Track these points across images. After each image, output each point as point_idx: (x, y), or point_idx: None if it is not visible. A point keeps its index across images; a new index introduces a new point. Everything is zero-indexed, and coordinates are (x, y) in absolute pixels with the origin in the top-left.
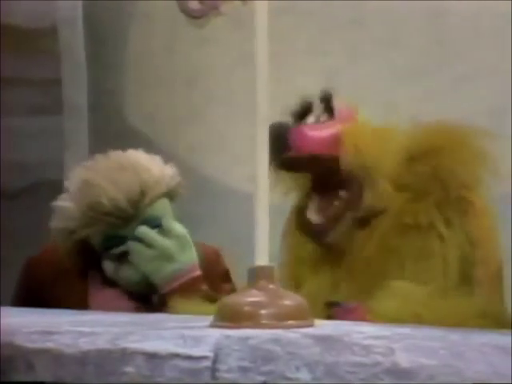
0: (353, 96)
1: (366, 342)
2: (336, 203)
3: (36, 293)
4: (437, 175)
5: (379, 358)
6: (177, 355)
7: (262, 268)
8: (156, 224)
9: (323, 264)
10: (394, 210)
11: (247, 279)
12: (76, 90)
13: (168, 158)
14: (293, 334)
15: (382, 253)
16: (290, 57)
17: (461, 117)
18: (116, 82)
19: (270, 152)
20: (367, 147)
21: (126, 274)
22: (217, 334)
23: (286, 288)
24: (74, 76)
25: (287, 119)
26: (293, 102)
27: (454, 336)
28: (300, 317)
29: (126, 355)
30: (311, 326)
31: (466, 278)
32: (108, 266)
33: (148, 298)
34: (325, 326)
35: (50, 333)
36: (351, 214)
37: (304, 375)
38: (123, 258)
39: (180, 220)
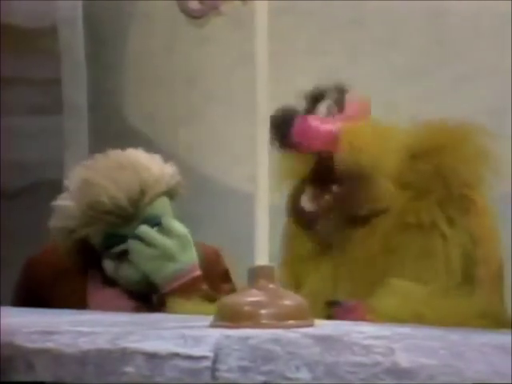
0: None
1: (365, 342)
2: (327, 197)
3: (36, 293)
4: (439, 173)
5: (379, 358)
6: (177, 355)
7: (261, 268)
8: (156, 222)
9: (324, 262)
10: (396, 208)
11: (247, 279)
12: (76, 90)
13: (168, 158)
14: (293, 334)
15: (384, 251)
16: (290, 57)
17: (461, 117)
18: (116, 82)
19: (273, 133)
20: (365, 146)
21: (126, 272)
22: (217, 333)
23: (286, 286)
24: (73, 76)
25: (301, 102)
26: (293, 102)
27: (454, 336)
28: (300, 317)
29: (125, 355)
30: (311, 325)
31: (468, 277)
32: (108, 265)
33: (148, 297)
34: (325, 326)
35: (50, 333)
36: (341, 210)
37: (304, 375)
38: (123, 256)
39: (180, 220)
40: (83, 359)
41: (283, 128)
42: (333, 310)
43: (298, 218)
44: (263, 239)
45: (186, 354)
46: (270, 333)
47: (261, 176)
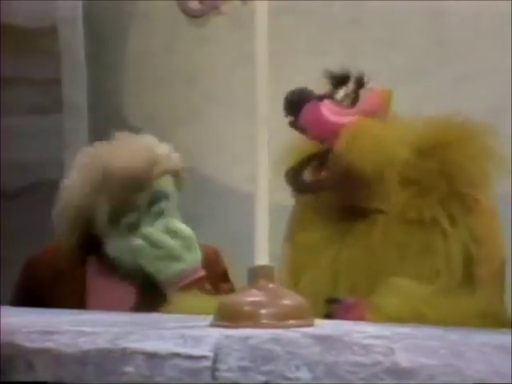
0: None
1: (366, 342)
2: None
3: (36, 293)
4: (444, 171)
5: (379, 358)
6: (177, 355)
7: (261, 268)
8: (163, 197)
9: (324, 257)
10: (398, 204)
11: (247, 279)
12: (76, 90)
13: None
14: (293, 334)
15: (385, 246)
16: (290, 57)
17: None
18: (116, 82)
19: (285, 110)
20: (361, 148)
21: (137, 245)
22: (217, 333)
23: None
24: (73, 76)
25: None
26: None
27: (454, 336)
28: (300, 316)
29: (125, 355)
30: (311, 325)
31: (468, 276)
32: (112, 246)
33: (147, 284)
34: (325, 326)
35: (50, 332)
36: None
37: (304, 375)
38: (133, 228)
39: (180, 220)
40: (83, 359)
41: (295, 108)
42: (332, 307)
43: (299, 187)
44: (263, 239)
45: (186, 353)
46: (269, 333)
47: (261, 176)
